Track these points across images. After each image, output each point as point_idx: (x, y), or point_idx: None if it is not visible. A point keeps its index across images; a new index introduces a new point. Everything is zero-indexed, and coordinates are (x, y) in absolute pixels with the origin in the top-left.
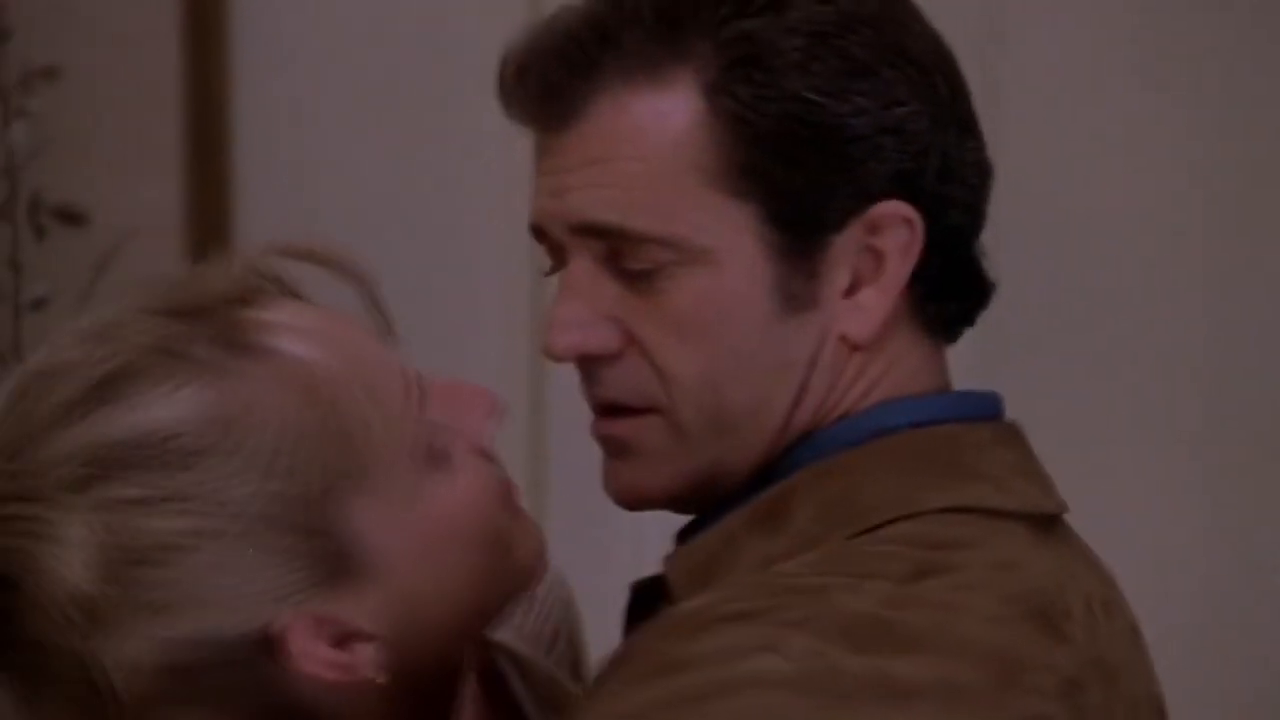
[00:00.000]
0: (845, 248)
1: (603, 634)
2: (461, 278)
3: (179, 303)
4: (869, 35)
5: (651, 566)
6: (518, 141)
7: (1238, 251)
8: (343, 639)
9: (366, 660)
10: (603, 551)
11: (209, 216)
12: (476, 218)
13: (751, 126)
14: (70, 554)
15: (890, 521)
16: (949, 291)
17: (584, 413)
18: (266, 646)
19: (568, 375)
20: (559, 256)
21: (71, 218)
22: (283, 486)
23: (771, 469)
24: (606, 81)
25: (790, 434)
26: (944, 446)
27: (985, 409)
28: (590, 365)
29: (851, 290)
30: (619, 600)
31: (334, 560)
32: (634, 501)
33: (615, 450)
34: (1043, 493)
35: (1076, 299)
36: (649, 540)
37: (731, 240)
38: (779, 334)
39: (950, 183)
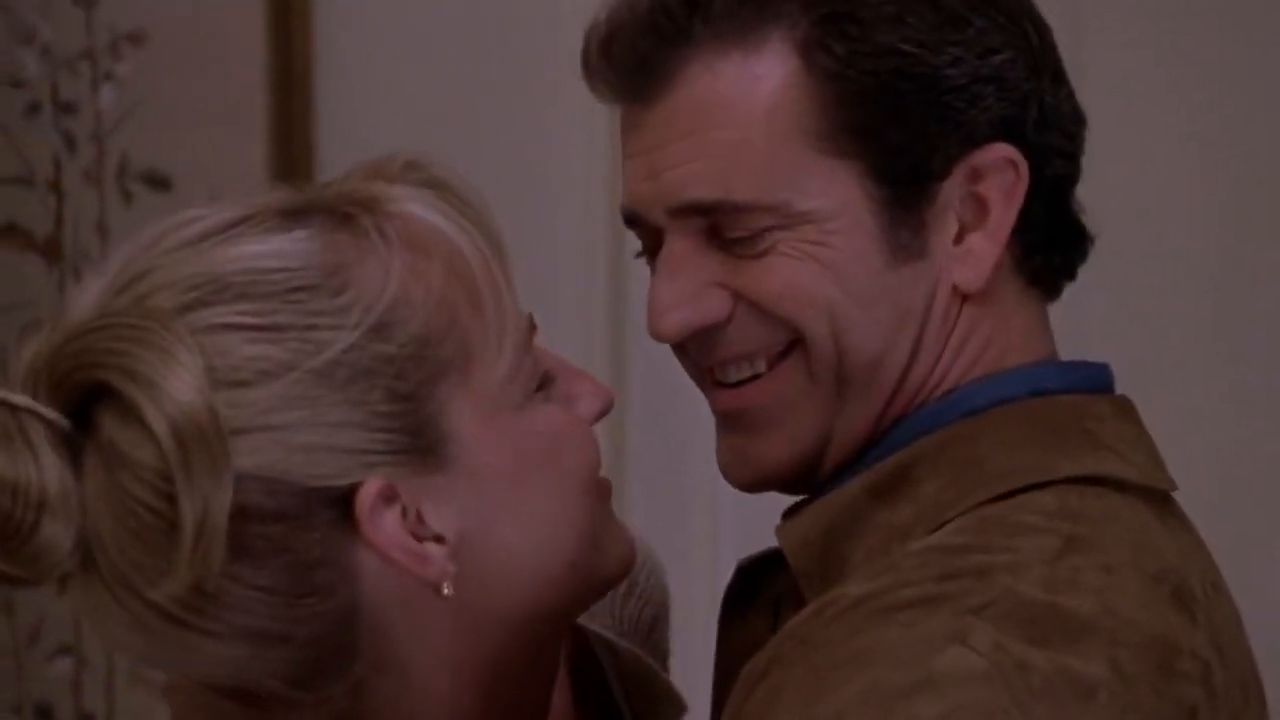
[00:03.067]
0: (950, 195)
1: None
2: (542, 252)
3: (312, 188)
4: None
5: (729, 564)
6: (601, 108)
7: (1247, 250)
8: (416, 532)
9: (437, 561)
10: (681, 549)
11: (294, 181)
12: (560, 185)
13: (848, 83)
14: (169, 368)
15: (1023, 489)
16: (1052, 243)
17: (661, 401)
18: (338, 507)
19: (647, 371)
20: (653, 239)
21: (158, 182)
22: (375, 340)
23: (878, 443)
24: (697, 49)
25: (902, 398)
26: (1068, 416)
27: (1101, 381)
28: (703, 335)
29: (959, 238)
30: (696, 595)
31: (420, 435)
32: (750, 477)
33: (736, 422)
34: (1158, 469)
35: (1085, 296)
36: (727, 538)
37: (836, 200)
38: (893, 284)
39: (1049, 131)
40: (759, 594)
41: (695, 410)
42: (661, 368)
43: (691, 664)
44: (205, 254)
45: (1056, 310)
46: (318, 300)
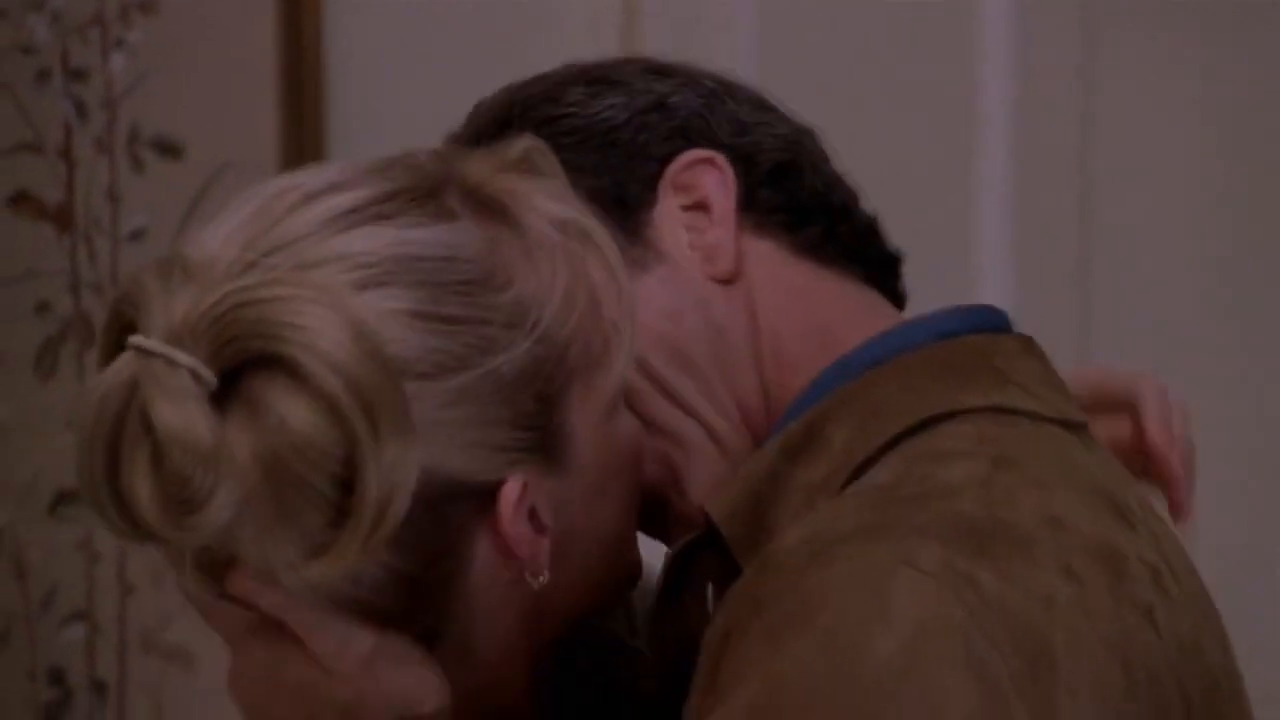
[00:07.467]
0: (668, 215)
1: None
2: None
3: (449, 150)
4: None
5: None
6: None
7: (1260, 253)
8: (534, 526)
9: (544, 554)
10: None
11: (304, 149)
12: None
13: None
14: (352, 342)
15: (934, 419)
16: (805, 217)
17: None
18: (475, 499)
19: None
20: None
21: (169, 149)
22: (538, 342)
23: (788, 414)
24: None
25: (755, 416)
26: (974, 355)
27: (1002, 322)
28: None
29: (696, 242)
30: None
31: (553, 436)
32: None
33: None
34: (1068, 403)
35: (1096, 296)
36: None
37: None
38: (669, 330)
39: (750, 132)
40: (691, 579)
41: None
42: None
43: None
44: (366, 230)
45: (1069, 308)
46: (486, 296)
